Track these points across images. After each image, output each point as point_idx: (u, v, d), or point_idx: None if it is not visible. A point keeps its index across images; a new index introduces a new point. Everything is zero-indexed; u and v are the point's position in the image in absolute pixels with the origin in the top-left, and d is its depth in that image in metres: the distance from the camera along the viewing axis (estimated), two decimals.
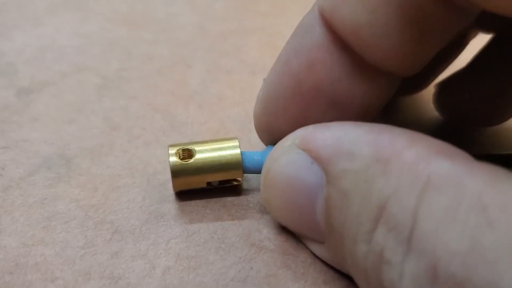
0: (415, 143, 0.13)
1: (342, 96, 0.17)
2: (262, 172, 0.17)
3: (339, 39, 0.16)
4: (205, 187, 0.19)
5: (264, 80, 0.26)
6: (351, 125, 0.15)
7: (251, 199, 0.19)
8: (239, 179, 0.19)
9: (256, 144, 0.22)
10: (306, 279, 0.17)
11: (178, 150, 0.19)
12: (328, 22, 0.16)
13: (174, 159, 0.18)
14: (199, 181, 0.19)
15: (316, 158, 0.15)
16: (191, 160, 0.18)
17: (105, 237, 0.18)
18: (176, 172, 0.18)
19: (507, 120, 0.22)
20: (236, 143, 0.19)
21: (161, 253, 0.17)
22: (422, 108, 0.24)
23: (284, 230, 0.18)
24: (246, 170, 0.19)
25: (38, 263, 0.17)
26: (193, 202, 0.19)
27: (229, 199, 0.19)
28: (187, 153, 0.19)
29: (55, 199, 0.19)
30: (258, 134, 0.20)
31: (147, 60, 0.28)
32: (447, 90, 0.22)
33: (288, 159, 0.16)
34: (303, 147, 0.16)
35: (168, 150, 0.19)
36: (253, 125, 0.19)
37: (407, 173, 0.13)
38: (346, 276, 0.16)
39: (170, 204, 0.19)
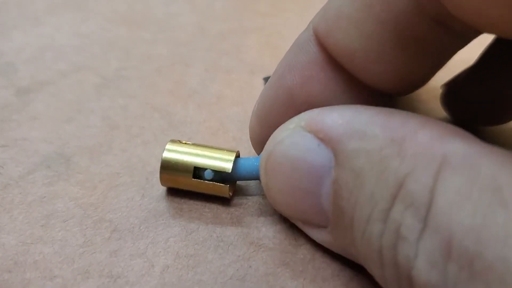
0: (427, 125, 0.13)
1: None
2: (262, 155, 0.17)
3: (333, 59, 0.16)
4: (195, 181, 0.19)
5: (264, 79, 0.26)
6: (359, 107, 0.15)
7: (249, 197, 0.19)
8: (229, 191, 0.19)
9: None
10: (305, 277, 0.17)
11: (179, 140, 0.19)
12: (322, 43, 0.16)
13: (171, 144, 0.19)
14: (188, 165, 0.18)
15: (324, 138, 0.15)
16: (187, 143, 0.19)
17: (104, 236, 0.18)
18: (170, 148, 0.19)
19: None
20: (233, 154, 0.19)
21: (160, 251, 0.17)
22: (420, 109, 0.24)
23: (283, 228, 0.18)
24: (240, 175, 0.19)
25: (37, 261, 0.17)
26: (191, 201, 0.19)
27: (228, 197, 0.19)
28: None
29: (54, 198, 0.19)
30: (252, 144, 0.20)
31: (146, 60, 0.28)
32: (454, 90, 0.22)
33: (293, 140, 0.16)
34: (310, 129, 0.16)
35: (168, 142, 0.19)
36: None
37: (423, 153, 0.13)
38: (344, 274, 0.17)
39: (169, 202, 0.19)
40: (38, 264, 0.17)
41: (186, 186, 0.19)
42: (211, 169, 0.18)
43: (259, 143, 0.19)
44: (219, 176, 0.18)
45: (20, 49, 0.28)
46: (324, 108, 0.16)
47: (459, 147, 0.13)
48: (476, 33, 0.15)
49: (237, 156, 0.19)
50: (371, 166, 0.14)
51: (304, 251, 0.17)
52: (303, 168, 0.16)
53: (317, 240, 0.17)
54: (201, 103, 0.25)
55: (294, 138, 0.16)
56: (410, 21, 0.14)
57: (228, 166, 0.18)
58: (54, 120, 0.23)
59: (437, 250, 0.12)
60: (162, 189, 0.20)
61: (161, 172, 0.19)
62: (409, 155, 0.13)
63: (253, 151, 0.20)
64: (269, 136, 0.18)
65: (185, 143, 0.19)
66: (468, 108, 0.22)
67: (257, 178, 0.18)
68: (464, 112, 0.22)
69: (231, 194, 0.19)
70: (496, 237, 0.11)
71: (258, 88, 0.26)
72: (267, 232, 0.18)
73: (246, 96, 0.25)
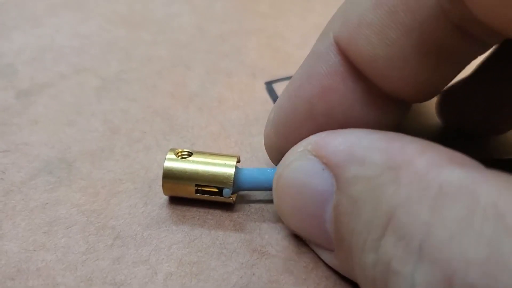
0: (426, 151, 0.13)
1: (354, 122, 0.17)
2: (274, 178, 0.17)
3: (353, 67, 0.16)
4: (197, 195, 0.19)
5: (265, 83, 0.26)
6: (364, 132, 0.15)
7: (252, 204, 0.19)
8: (232, 199, 0.19)
9: (257, 149, 0.22)
10: (308, 285, 0.17)
11: (178, 150, 0.19)
12: (343, 51, 0.16)
13: (171, 155, 0.19)
14: (189, 184, 0.18)
15: (327, 163, 0.15)
16: (187, 158, 0.19)
17: (107, 243, 0.18)
18: (169, 167, 0.18)
19: (510, 129, 0.22)
20: (234, 160, 0.19)
21: (163, 258, 0.17)
22: (425, 114, 0.24)
23: (286, 235, 0.18)
24: (242, 188, 0.19)
25: (40, 268, 0.17)
26: (194, 208, 0.19)
27: (231, 205, 0.19)
28: (186, 154, 0.19)
29: (56, 204, 0.19)
30: (268, 154, 0.20)
31: (147, 62, 0.28)
32: (450, 99, 0.22)
33: (300, 164, 0.16)
34: (315, 153, 0.16)
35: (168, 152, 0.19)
36: (263, 144, 0.20)
37: (418, 182, 0.13)
38: (347, 282, 0.17)
39: (172, 209, 0.19)
40: (41, 272, 0.17)
41: (190, 197, 0.19)
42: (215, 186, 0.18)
43: (275, 151, 0.19)
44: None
45: (20, 50, 0.28)
46: (331, 132, 0.16)
47: (456, 174, 0.12)
48: (497, 39, 0.15)
49: (238, 161, 0.19)
50: (367, 193, 0.14)
51: (307, 259, 0.17)
52: (308, 192, 0.16)
53: (326, 262, 0.17)
54: (202, 106, 0.25)
55: (300, 162, 0.16)
56: (433, 28, 0.14)
57: (229, 182, 0.18)
58: (55, 123, 0.23)
59: (437, 284, 0.11)
60: (165, 196, 0.19)
61: (163, 186, 0.19)
62: (403, 184, 0.13)
63: (255, 155, 0.20)
64: (286, 145, 0.18)
65: (184, 155, 0.19)
66: (463, 118, 0.22)
67: (259, 189, 0.19)
68: (459, 121, 0.22)
69: (234, 200, 0.19)
70: (505, 269, 0.10)
71: (259, 91, 0.26)
72: (270, 239, 0.18)
73: (247, 99, 0.25)
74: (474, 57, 0.16)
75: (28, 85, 0.25)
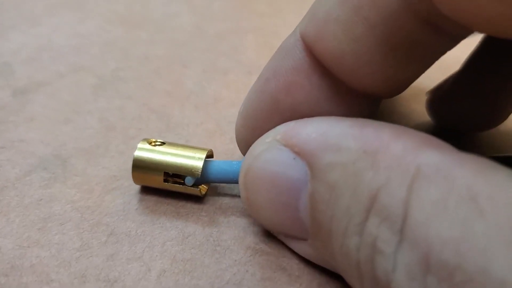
0: (401, 135, 0.13)
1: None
2: (241, 170, 0.17)
3: (319, 64, 0.16)
4: (165, 185, 0.19)
5: None
6: (334, 119, 0.15)
7: None
8: (200, 192, 0.19)
9: None
10: (301, 282, 0.17)
11: (151, 140, 0.19)
12: (310, 47, 0.16)
13: (143, 144, 0.19)
14: (159, 171, 0.19)
15: (300, 152, 0.15)
16: (159, 147, 0.19)
17: (101, 239, 0.18)
18: (139, 155, 0.19)
19: (500, 124, 0.22)
20: (205, 152, 0.19)
21: (156, 255, 0.17)
22: (416, 112, 0.24)
23: None
24: (211, 180, 0.19)
25: (34, 265, 0.17)
26: (188, 205, 0.19)
27: (225, 201, 0.19)
28: (159, 144, 0.19)
29: (51, 200, 0.19)
30: (238, 145, 0.20)
31: (144, 60, 0.28)
32: (440, 97, 0.22)
33: (270, 155, 0.16)
34: (285, 142, 0.16)
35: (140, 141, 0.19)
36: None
37: (396, 165, 0.13)
38: (340, 279, 0.17)
39: (166, 206, 0.19)
40: (35, 268, 0.17)
41: (159, 187, 0.19)
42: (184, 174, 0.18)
43: (245, 144, 0.19)
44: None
45: (17, 50, 0.28)
46: (300, 121, 0.16)
47: (433, 157, 0.12)
48: (467, 32, 0.15)
49: (210, 156, 0.19)
50: (345, 179, 0.14)
51: (301, 256, 0.17)
52: (280, 182, 0.16)
53: (299, 253, 0.17)
54: (198, 104, 0.25)
55: (270, 152, 0.16)
56: (400, 23, 0.14)
57: (196, 172, 0.18)
58: (51, 121, 0.23)
59: (415, 263, 0.12)
60: (159, 193, 0.20)
61: (133, 175, 0.19)
62: (382, 167, 0.13)
63: None
64: (254, 138, 0.18)
65: (156, 145, 0.19)
66: (453, 115, 0.22)
67: (228, 181, 0.19)
68: (450, 119, 0.22)
69: (203, 193, 0.19)
70: (476, 249, 0.11)
71: None
72: (263, 236, 0.18)
73: (243, 97, 0.25)
74: (444, 51, 0.16)
75: (25, 83, 0.25)
